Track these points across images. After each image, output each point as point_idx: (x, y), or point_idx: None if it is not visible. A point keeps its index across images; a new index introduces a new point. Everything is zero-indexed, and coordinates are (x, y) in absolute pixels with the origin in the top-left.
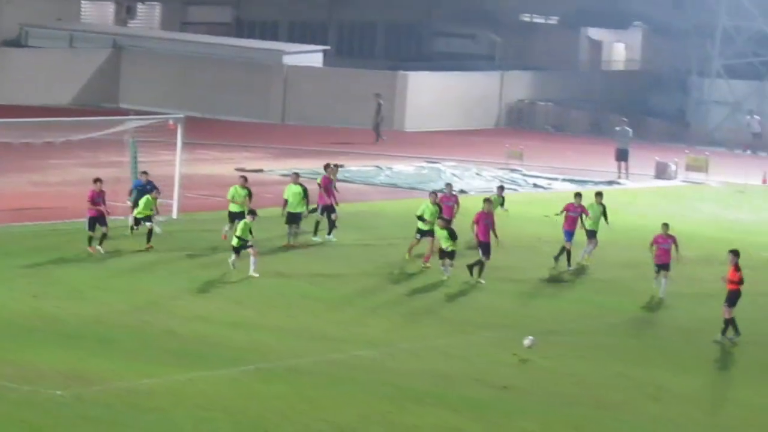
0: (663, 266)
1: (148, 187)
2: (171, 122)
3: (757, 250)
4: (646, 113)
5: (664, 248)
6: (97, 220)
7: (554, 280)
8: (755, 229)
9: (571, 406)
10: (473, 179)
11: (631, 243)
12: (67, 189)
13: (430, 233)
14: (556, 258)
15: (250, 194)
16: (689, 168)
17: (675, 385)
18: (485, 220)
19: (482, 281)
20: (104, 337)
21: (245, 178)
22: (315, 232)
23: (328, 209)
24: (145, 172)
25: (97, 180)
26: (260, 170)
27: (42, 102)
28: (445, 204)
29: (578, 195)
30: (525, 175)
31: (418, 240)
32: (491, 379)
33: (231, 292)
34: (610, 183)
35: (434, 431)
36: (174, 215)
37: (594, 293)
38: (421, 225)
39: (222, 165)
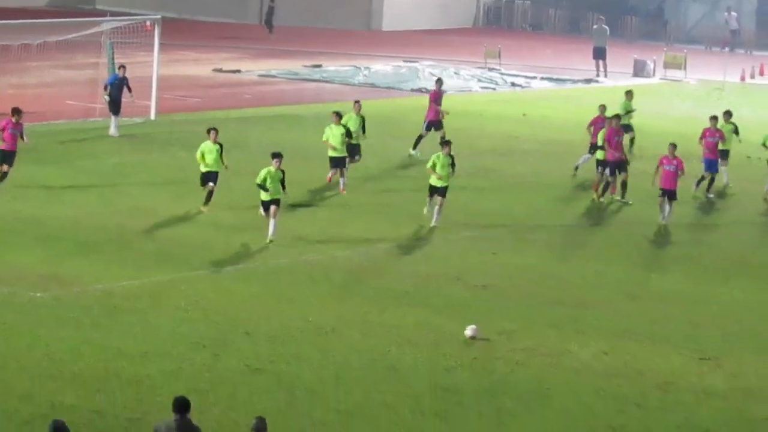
0: (668, 192)
1: (125, 81)
2: (148, 23)
3: (736, 147)
4: (623, 11)
5: (669, 171)
6: (7, 155)
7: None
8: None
9: (551, 305)
10: (451, 79)
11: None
12: (46, 91)
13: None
14: (697, 183)
15: (349, 133)
16: (667, 66)
17: (653, 283)
18: (616, 137)
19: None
20: (82, 239)
21: (339, 115)
22: (414, 146)
23: (435, 125)
24: (122, 66)
25: (15, 111)
26: (238, 71)
27: (18, 4)
28: (598, 126)
29: (714, 118)
30: (503, 74)
31: (601, 173)
32: (471, 279)
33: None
34: (588, 81)
35: (414, 331)
36: (152, 116)
37: (572, 192)
38: (600, 155)
39: (200, 66)
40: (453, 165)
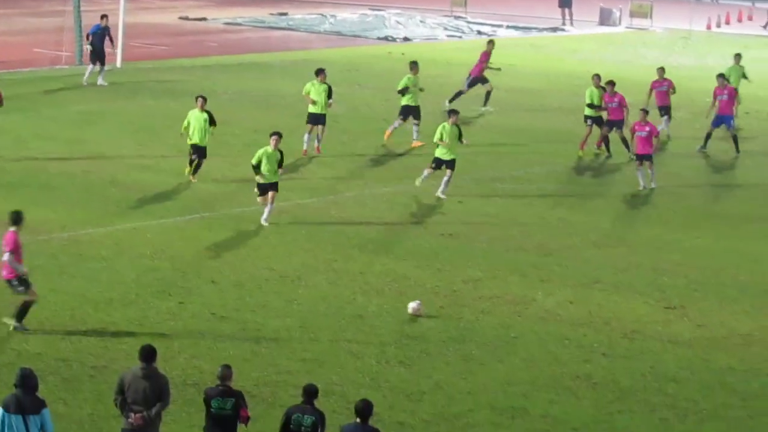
0: (644, 157)
1: (107, 30)
2: None
3: (701, 95)
4: None
5: (642, 137)
6: None
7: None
8: (699, 75)
9: (516, 252)
10: (417, 27)
11: (575, 90)
12: (12, 39)
13: (599, 120)
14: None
15: (330, 93)
16: (633, 14)
17: (617, 230)
18: (610, 103)
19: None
20: (48, 186)
21: (324, 73)
22: (485, 102)
23: (480, 80)
24: (105, 16)
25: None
26: (204, 19)
27: None
28: (658, 90)
29: (721, 76)
30: (469, 22)
31: (590, 126)
32: (437, 227)
33: (176, 141)
34: (554, 30)
35: (380, 279)
36: (118, 64)
37: (537, 141)
38: (588, 111)
39: (166, 14)
40: (460, 135)
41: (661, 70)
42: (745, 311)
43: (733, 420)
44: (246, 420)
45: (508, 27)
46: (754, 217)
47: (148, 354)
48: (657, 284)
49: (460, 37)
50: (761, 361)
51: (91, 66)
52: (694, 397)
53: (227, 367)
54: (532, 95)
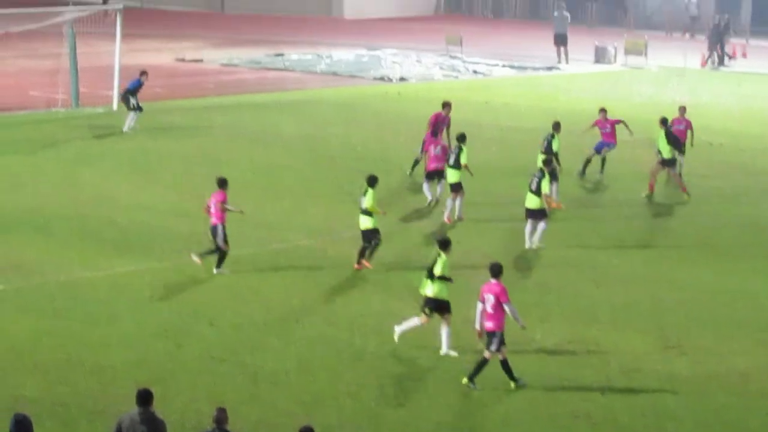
0: (437, 173)
1: (140, 83)
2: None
3: (696, 132)
4: None
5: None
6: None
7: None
8: (694, 112)
9: (514, 292)
10: (413, 66)
11: (570, 128)
12: (7, 82)
13: (671, 162)
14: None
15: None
16: (628, 52)
17: (614, 267)
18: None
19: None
20: (43, 227)
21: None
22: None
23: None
24: (144, 72)
25: (222, 182)
26: (200, 60)
27: None
28: (676, 128)
29: (603, 110)
30: (465, 61)
31: (661, 166)
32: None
33: (173, 181)
34: (550, 68)
35: (378, 319)
36: (114, 107)
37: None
38: (667, 155)
39: (162, 55)
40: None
41: (683, 108)
42: (743, 349)
43: None
44: None
45: (503, 66)
46: (751, 253)
47: (144, 397)
48: (655, 321)
49: (456, 77)
50: (759, 398)
51: (131, 114)
52: None
53: (222, 410)
54: (527, 133)
